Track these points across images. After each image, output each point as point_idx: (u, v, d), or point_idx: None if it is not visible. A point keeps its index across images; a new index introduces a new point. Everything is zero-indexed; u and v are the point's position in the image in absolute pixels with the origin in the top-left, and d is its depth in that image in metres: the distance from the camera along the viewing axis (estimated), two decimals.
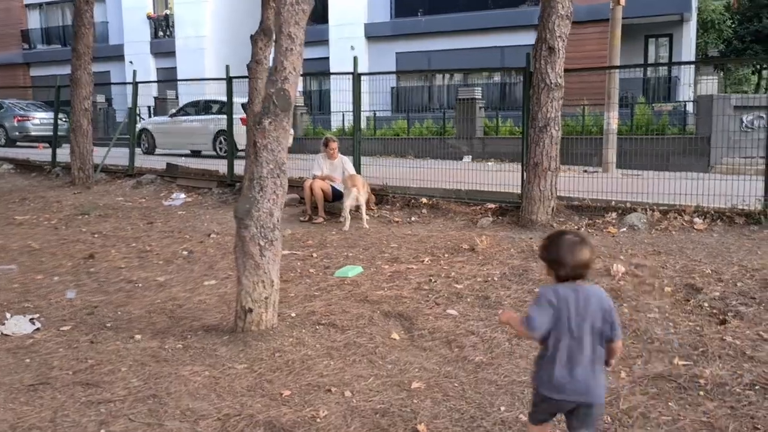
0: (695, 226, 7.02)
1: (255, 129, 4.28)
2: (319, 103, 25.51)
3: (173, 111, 17.76)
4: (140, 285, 5.90)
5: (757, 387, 3.51)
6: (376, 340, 4.34)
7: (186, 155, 15.43)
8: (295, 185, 9.32)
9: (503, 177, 8.48)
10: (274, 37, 4.43)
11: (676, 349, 4.01)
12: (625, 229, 7.22)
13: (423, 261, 6.41)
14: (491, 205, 8.37)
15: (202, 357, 4.04)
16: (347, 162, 8.84)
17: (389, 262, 6.45)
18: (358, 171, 9.25)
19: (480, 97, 17.09)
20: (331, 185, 8.72)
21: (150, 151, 17.25)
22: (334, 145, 8.86)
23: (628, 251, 6.31)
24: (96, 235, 8.09)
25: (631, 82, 18.55)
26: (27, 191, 11.59)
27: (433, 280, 5.71)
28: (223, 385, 3.62)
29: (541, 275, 5.68)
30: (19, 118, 20.50)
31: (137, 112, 22.99)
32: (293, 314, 4.88)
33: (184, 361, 3.98)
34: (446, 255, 6.66)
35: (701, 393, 3.47)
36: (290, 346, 4.18)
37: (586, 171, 11.08)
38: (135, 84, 12.36)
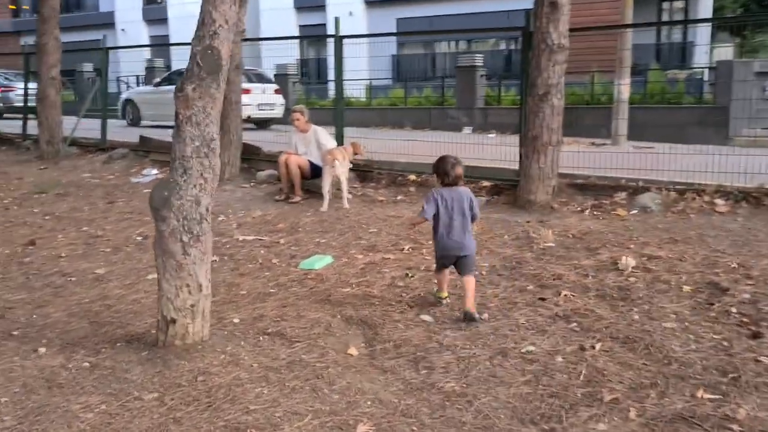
0: (717, 209, 6.15)
1: (176, 98, 3.44)
2: (317, 72, 24.53)
3: (158, 80, 16.86)
4: (74, 279, 5.12)
5: None
6: (329, 356, 3.53)
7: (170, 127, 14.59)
8: (274, 160, 8.50)
9: (503, 152, 7.61)
10: None
11: (700, 374, 3.18)
12: (636, 212, 6.35)
13: (403, 249, 5.59)
14: (486, 183, 7.52)
15: (108, 381, 3.24)
16: (321, 134, 7.94)
17: (365, 251, 5.63)
18: (341, 144, 8.38)
19: (481, 64, 16.07)
20: (309, 160, 7.87)
21: (135, 123, 16.41)
22: (297, 115, 7.97)
23: (639, 239, 5.46)
24: (47, 217, 7.30)
25: (644, 48, 17.48)
26: None
27: (410, 275, 4.89)
28: (116, 427, 2.82)
29: (536, 269, 4.85)
30: (2, 89, 19.65)
31: (126, 81, 22.36)
32: (237, 320, 4.07)
33: (83, 389, 3.18)
34: (430, 242, 5.82)
35: None
36: (220, 367, 3.38)
37: (593, 144, 10.18)
38: (105, 50, 11.46)
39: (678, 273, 4.60)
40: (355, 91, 17.35)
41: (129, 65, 19.91)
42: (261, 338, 3.79)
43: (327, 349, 3.63)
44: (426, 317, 4.05)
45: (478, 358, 3.44)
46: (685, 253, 5.01)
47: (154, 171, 9.87)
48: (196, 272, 3.48)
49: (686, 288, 4.32)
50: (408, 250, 5.57)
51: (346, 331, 3.90)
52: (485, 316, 4.02)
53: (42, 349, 3.68)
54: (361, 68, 16.92)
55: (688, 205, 6.27)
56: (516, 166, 7.21)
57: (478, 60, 16.01)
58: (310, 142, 7.84)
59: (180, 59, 20.92)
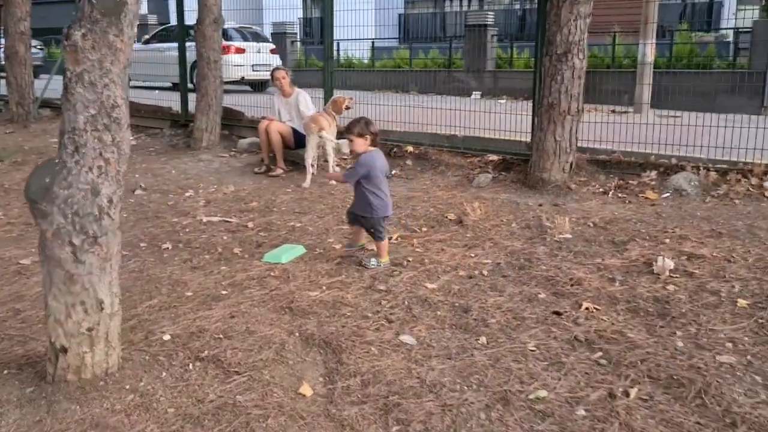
0: (767, 194, 5.19)
1: (63, 50, 2.50)
2: (320, 32, 23.32)
3: (147, 37, 15.80)
4: None
5: None
6: (272, 398, 2.65)
7: (165, 88, 13.59)
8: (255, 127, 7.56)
9: (513, 121, 6.64)
10: None
11: None
12: (668, 195, 5.40)
13: (390, 239, 4.68)
14: (493, 157, 6.56)
15: None
16: (303, 99, 6.98)
17: (345, 239, 4.73)
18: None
19: (492, 23, 14.90)
20: (292, 128, 6.92)
21: None
22: (280, 74, 7.01)
23: (675, 230, 4.52)
24: None
25: (670, 8, 16.24)
26: None
27: (395, 274, 4.00)
28: None
29: (549, 270, 3.94)
30: None
31: None
32: (167, 336, 3.19)
33: None
34: (424, 229, 4.92)
35: None
36: (122, 414, 2.51)
37: (614, 111, 9.17)
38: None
39: (728, 279, 3.67)
40: (358, 52, 16.27)
41: None
42: (191, 366, 2.91)
43: (273, 385, 2.75)
44: (407, 338, 3.15)
45: (471, 407, 2.55)
46: (733, 252, 4.08)
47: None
48: (93, 285, 2.59)
49: (741, 302, 3.40)
50: (396, 240, 4.67)
51: (303, 357, 3.01)
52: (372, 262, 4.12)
53: None
54: (366, 27, 15.83)
55: (731, 189, 5.31)
56: (528, 138, 6.26)
57: (490, 18, 14.84)
58: (293, 108, 6.88)
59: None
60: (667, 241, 4.31)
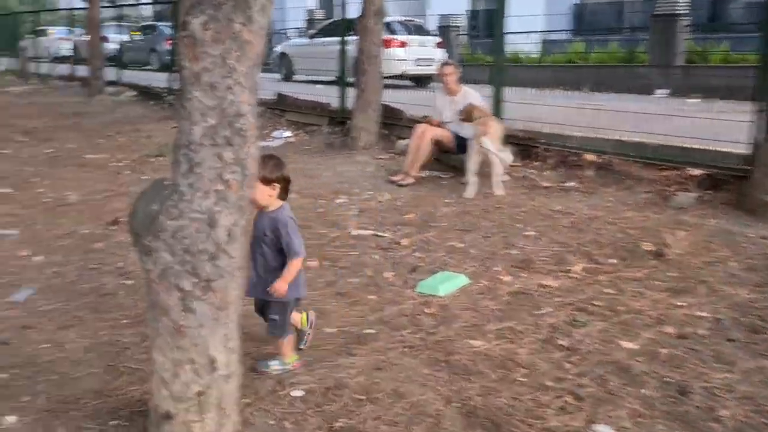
0: None
1: (180, 43, 1.98)
2: (487, 25, 22.38)
3: (313, 32, 15.82)
4: (130, 283, 3.94)
5: None
6: None
7: (328, 82, 13.49)
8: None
9: (715, 127, 5.49)
10: None
11: None
12: None
13: (571, 270, 3.86)
14: (695, 172, 5.43)
15: None
16: (472, 97, 6.22)
17: (515, 268, 3.97)
18: (498, 109, 6.64)
19: (685, 12, 13.22)
20: (453, 131, 6.22)
21: (288, 77, 15.54)
22: (448, 69, 6.30)
23: None
24: None
25: None
26: (128, 123, 10.28)
27: (578, 323, 3.18)
28: None
29: None
30: (171, 41, 19.76)
31: (285, 33, 21.69)
32: (299, 392, 2.62)
33: None
34: (612, 261, 4.02)
35: None
36: None
37: None
38: None
39: None
40: (527, 46, 15.22)
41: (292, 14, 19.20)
42: None
43: None
44: (604, 430, 2.34)
45: None
46: None
47: (287, 133, 8.75)
48: (205, 340, 2.05)
49: None
50: (579, 272, 3.83)
51: None
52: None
53: (10, 418, 2.48)
54: (537, 18, 14.78)
55: None
56: (738, 149, 5.10)
57: (681, 6, 13.17)
58: (459, 107, 6.16)
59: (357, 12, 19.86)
60: None
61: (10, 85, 16.36)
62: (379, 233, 4.75)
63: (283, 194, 2.76)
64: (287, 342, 2.86)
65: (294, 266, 2.72)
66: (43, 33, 23.15)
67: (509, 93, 6.84)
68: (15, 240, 4.77)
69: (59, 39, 22.56)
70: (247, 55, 1.97)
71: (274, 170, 2.68)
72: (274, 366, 2.80)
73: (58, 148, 8.35)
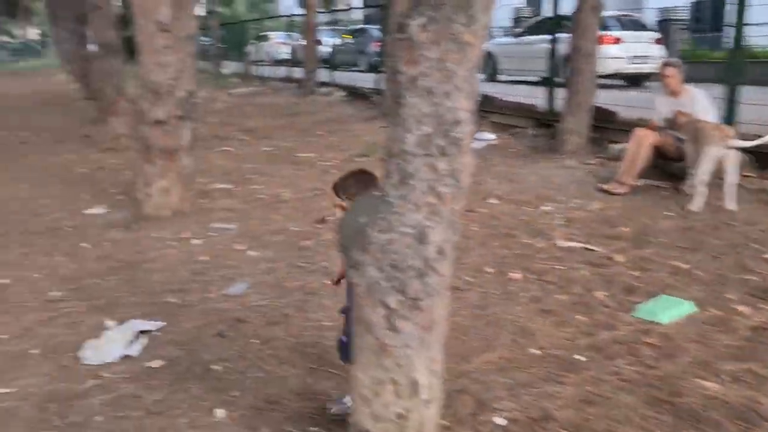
0: None
1: (396, 45, 1.87)
2: (713, 17, 20.36)
3: (519, 30, 15.41)
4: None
5: None
6: None
7: (532, 83, 13.08)
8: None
9: None
10: None
11: None
12: None
13: None
14: None
15: None
16: (700, 99, 5.55)
17: (753, 297, 3.44)
18: (730, 112, 5.89)
19: None
20: (675, 136, 5.61)
21: (492, 77, 15.30)
22: (669, 70, 5.67)
23: None
24: None
25: None
26: (337, 122, 10.72)
27: None
28: None
29: None
30: (379, 44, 20.44)
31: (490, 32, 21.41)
32: (502, 420, 2.42)
33: None
34: None
35: None
36: None
37: None
38: None
39: None
40: (763, 39, 13.51)
41: (499, 13, 18.90)
42: None
43: None
44: None
45: None
46: None
47: (491, 136, 8.53)
48: (409, 362, 1.94)
49: None
50: None
51: None
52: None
53: (219, 411, 2.57)
54: None
55: None
56: None
57: None
58: (684, 110, 5.54)
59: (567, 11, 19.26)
60: None
61: (235, 87, 17.91)
62: (590, 246, 4.40)
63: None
64: None
65: None
66: (264, 38, 25.16)
67: (746, 93, 6.05)
68: (233, 234, 5.10)
69: (279, 43, 24.37)
70: (467, 57, 1.81)
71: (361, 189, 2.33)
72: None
73: (276, 146, 8.90)
